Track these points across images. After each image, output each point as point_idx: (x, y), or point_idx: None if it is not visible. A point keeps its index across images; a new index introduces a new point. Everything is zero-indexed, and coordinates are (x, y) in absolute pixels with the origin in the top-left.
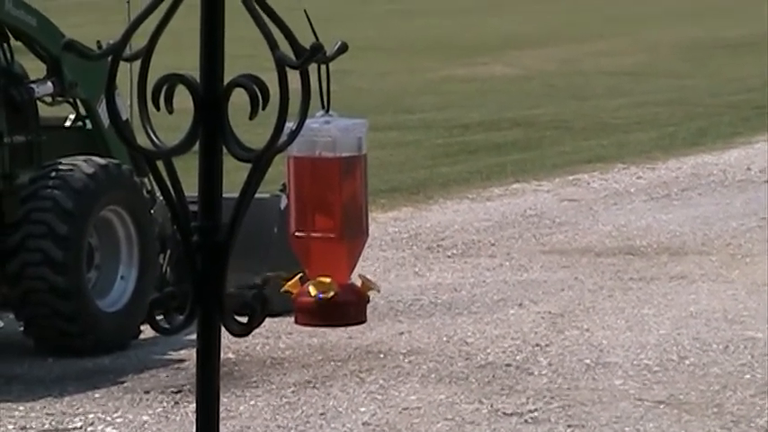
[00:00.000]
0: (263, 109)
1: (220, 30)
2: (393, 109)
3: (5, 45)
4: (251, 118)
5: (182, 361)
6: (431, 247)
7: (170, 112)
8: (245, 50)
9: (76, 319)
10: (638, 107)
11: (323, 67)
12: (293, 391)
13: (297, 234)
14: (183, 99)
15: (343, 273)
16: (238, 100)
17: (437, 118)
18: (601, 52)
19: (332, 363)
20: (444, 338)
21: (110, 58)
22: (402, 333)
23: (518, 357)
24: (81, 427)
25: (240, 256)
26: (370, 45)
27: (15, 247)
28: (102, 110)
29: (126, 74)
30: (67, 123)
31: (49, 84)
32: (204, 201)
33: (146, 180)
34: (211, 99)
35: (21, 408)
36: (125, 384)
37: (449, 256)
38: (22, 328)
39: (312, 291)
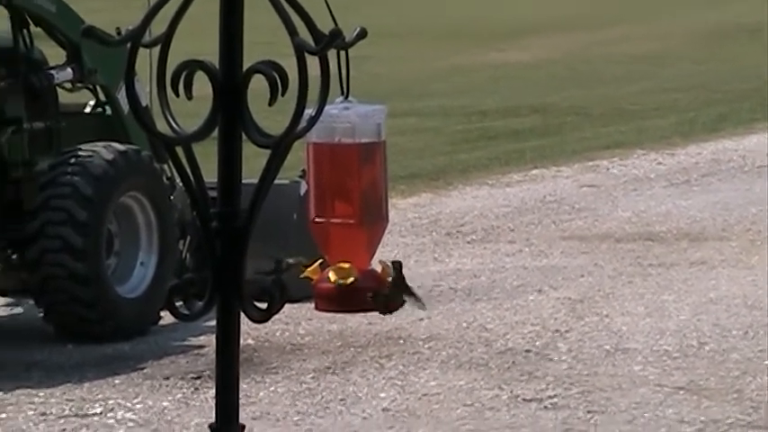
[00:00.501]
0: (283, 95)
1: (239, 16)
2: (412, 95)
3: (25, 31)
4: (270, 104)
5: (201, 347)
6: (450, 233)
7: (189, 98)
8: (265, 37)
9: (96, 306)
10: (657, 93)
11: (342, 53)
12: (313, 377)
13: (316, 220)
14: (203, 85)
15: (362, 259)
16: (257, 86)
17: (456, 104)
18: (620, 38)
19: (351, 349)
20: (464, 324)
21: (129, 45)
22: (421, 319)
23: (538, 343)
24: (101, 413)
25: (259, 242)
26: (388, 31)
27: (35, 234)
28: (122, 96)
29: (145, 60)
30: (87, 109)
31: (69, 70)
32: (223, 187)
33: (165, 166)
34: (231, 85)
35: (41, 394)
36: (145, 370)
37: (468, 242)
38: (41, 315)
39: (332, 277)
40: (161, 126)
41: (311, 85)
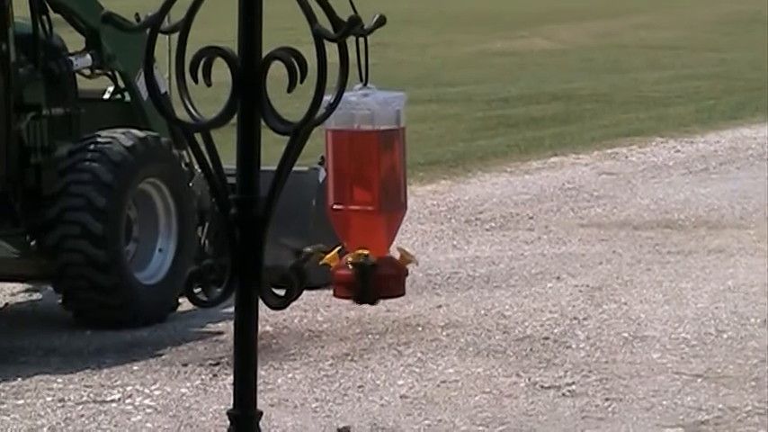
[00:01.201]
0: (301, 82)
1: (258, 3)
2: (432, 82)
3: (45, 17)
4: (289, 91)
5: (220, 333)
6: (469, 221)
7: (208, 85)
8: (283, 23)
9: (115, 292)
10: (677, 81)
11: (361, 39)
12: (331, 364)
13: (335, 207)
14: (222, 72)
15: (381, 246)
16: (276, 73)
17: (476, 91)
18: (640, 26)
19: (370, 336)
20: (482, 312)
21: (148, 31)
22: (440, 306)
23: (556, 331)
24: (119, 400)
25: (278, 229)
26: (408, 18)
27: (54, 220)
28: (141, 82)
29: (164, 46)
30: (106, 96)
31: (88, 56)
32: (242, 173)
33: (184, 153)
34: (249, 72)
35: (59, 380)
36: (163, 357)
37: (487, 230)
38: (60, 301)
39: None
40: (180, 112)
41: (330, 71)
